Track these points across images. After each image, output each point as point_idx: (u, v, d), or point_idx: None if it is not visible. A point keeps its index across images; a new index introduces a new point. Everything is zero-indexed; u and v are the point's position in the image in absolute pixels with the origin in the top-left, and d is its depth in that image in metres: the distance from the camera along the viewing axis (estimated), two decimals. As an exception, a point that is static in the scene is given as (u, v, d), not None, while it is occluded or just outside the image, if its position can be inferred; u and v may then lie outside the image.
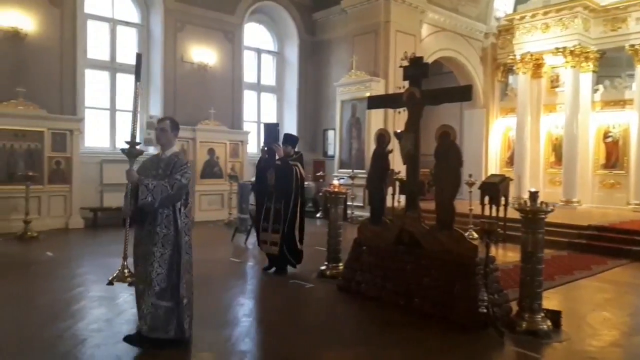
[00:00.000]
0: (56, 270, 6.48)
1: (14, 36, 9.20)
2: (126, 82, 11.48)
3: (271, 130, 6.54)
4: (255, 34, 13.86)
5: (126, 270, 3.74)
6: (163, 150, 3.88)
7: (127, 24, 11.47)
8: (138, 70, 3.98)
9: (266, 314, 4.87)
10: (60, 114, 9.77)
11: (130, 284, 3.77)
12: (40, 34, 9.60)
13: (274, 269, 6.56)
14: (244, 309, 5.08)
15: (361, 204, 11.61)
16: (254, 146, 13.61)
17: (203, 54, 11.98)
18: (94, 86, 10.97)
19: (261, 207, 6.54)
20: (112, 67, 11.25)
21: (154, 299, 3.66)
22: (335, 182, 6.74)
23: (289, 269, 6.56)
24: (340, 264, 6.19)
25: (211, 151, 11.99)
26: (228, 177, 11.71)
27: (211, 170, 11.97)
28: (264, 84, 14.18)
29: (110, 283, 3.92)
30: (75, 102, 10.12)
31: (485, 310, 4.39)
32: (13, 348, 3.88)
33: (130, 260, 4.11)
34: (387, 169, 5.50)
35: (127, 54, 11.46)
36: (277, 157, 6.34)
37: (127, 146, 3.94)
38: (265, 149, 6.54)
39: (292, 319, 4.82)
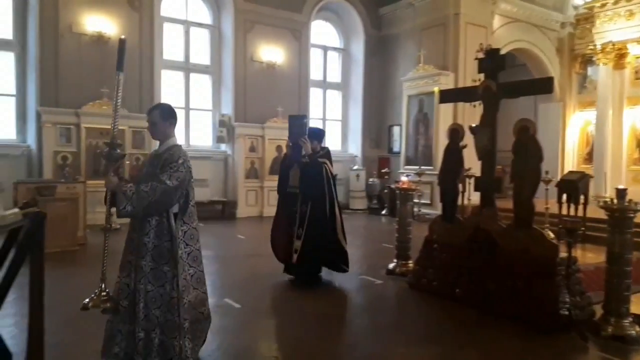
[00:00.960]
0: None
1: (99, 40, 9.83)
2: (200, 82, 11.95)
3: (297, 124, 5.69)
4: (321, 31, 13.96)
5: (104, 294, 3.03)
6: (160, 144, 3.34)
7: (200, 25, 11.91)
8: (121, 58, 3.36)
9: (337, 309, 4.91)
10: (139, 113, 10.32)
11: (104, 311, 3.06)
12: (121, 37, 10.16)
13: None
14: (317, 302, 5.15)
15: (428, 202, 11.43)
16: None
17: (271, 52, 12.23)
18: (170, 86, 11.49)
19: (285, 211, 5.83)
20: (187, 67, 11.74)
21: (143, 324, 3.09)
22: (404, 178, 6.67)
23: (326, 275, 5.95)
24: (410, 262, 6.14)
25: (279, 148, 12.20)
26: (295, 173, 11.90)
27: (279, 167, 12.17)
28: (329, 81, 14.26)
29: (85, 308, 2.97)
30: (152, 102, 10.64)
31: (567, 313, 4.21)
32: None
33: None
34: (461, 165, 5.38)
35: (200, 55, 11.92)
36: (304, 154, 5.61)
37: (110, 149, 3.16)
38: (291, 144, 5.74)
39: (365, 315, 4.84)
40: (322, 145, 5.97)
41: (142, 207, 3.00)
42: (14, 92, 9.73)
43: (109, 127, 9.99)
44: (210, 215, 11.36)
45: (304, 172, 5.57)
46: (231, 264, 7.01)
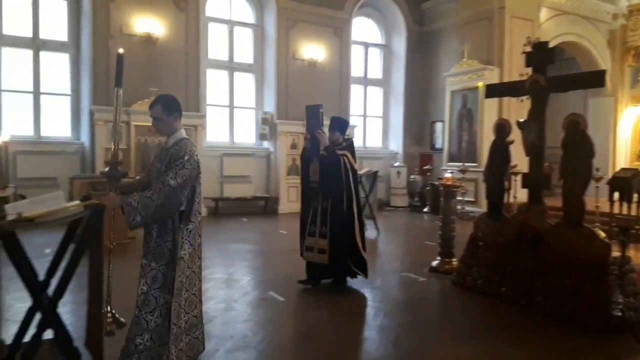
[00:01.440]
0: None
1: (147, 40, 10.16)
2: (243, 81, 12.17)
3: (313, 114, 5.23)
4: (362, 27, 13.92)
5: (109, 314, 2.92)
6: (168, 139, 3.18)
7: (243, 24, 12.11)
8: (119, 73, 3.24)
9: (380, 304, 4.92)
10: (185, 111, 10.60)
11: (107, 333, 2.92)
12: (168, 38, 10.49)
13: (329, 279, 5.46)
14: (359, 296, 5.18)
15: (472, 199, 11.23)
16: (359, 140, 13.72)
17: (313, 50, 12.29)
18: (214, 85, 11.75)
19: (307, 208, 5.37)
20: (230, 66, 11.96)
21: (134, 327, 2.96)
22: (448, 175, 6.58)
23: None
24: (454, 260, 6.07)
25: (320, 145, 12.27)
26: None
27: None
28: (370, 78, 14.21)
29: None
30: (198, 100, 10.94)
31: (620, 314, 4.07)
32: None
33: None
34: (508, 161, 5.27)
35: (243, 54, 12.13)
36: (321, 146, 5.16)
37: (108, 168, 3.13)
38: (309, 136, 5.34)
39: (408, 311, 4.82)
40: (346, 136, 5.55)
41: (150, 214, 2.84)
42: (69, 91, 10.20)
43: (157, 124, 10.16)
44: (253, 210, 11.57)
45: (322, 165, 5.14)
46: (274, 258, 7.12)
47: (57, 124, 10.17)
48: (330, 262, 5.17)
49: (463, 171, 10.91)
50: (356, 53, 13.68)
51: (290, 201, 11.89)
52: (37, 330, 2.42)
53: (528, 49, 5.11)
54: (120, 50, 3.33)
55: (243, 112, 12.29)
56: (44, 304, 2.40)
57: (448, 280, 5.69)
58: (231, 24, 11.92)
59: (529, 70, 5.10)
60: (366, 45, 14.04)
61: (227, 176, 11.44)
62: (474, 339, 4.06)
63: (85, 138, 10.06)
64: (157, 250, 3.00)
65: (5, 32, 9.31)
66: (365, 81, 14.09)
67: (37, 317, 2.65)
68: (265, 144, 12.28)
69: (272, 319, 4.44)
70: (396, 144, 14.17)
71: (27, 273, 2.42)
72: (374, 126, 14.37)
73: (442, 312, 4.99)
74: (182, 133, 3.20)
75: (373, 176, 8.95)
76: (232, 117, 12.06)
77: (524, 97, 5.16)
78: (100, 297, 2.51)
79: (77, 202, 2.67)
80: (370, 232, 8.84)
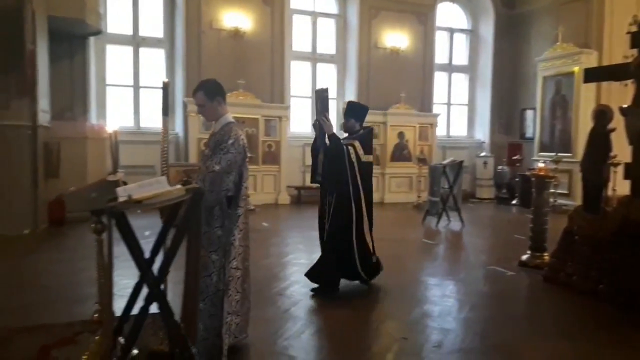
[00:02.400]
0: (271, 238, 7.38)
1: (235, 34, 10.56)
2: (326, 72, 12.30)
3: (320, 98, 4.64)
4: (448, 13, 13.50)
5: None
6: (215, 124, 3.20)
7: (326, 15, 12.21)
8: (165, 102, 3.22)
9: (467, 297, 4.81)
10: (270, 103, 10.95)
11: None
12: (255, 31, 10.84)
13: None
14: (443, 288, 5.11)
15: (566, 192, 10.58)
16: (443, 129, 13.39)
17: (395, 38, 12.13)
18: (298, 76, 11.97)
19: (323, 203, 4.82)
20: (313, 57, 12.13)
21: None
22: (541, 164, 6.25)
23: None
24: (546, 254, 5.77)
25: (401, 134, 12.15)
26: (417, 160, 11.78)
27: (400, 153, 12.14)
28: (455, 64, 13.77)
29: None
30: (283, 92, 11.22)
31: None
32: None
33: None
34: (609, 150, 4.91)
35: (326, 45, 12.24)
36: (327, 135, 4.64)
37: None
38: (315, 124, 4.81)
39: (496, 305, 4.68)
40: (364, 124, 4.98)
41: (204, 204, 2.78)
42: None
43: (244, 116, 10.70)
44: (334, 200, 11.70)
45: (327, 156, 4.64)
46: (356, 247, 7.18)
47: (155, 115, 10.88)
48: (318, 261, 4.75)
49: (556, 161, 10.28)
50: (440, 39, 13.31)
51: (371, 191, 11.87)
52: (144, 304, 2.64)
53: (634, 28, 4.70)
54: (165, 80, 3.45)
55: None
56: (151, 280, 2.61)
57: (539, 275, 5.44)
58: (314, 15, 12.06)
59: (634, 52, 4.70)
60: (451, 31, 13.61)
61: (309, 165, 11.59)
62: (567, 337, 3.86)
63: (179, 129, 10.69)
64: (205, 237, 2.96)
65: (109, 30, 10.08)
66: (449, 68, 13.68)
67: (143, 292, 2.91)
68: (343, 135, 12.31)
69: (356, 305, 4.51)
70: (482, 132, 13.65)
71: (136, 251, 2.65)
72: (459, 114, 13.94)
73: (532, 307, 4.80)
74: (228, 117, 3.18)
75: (458, 166, 8.70)
76: (314, 108, 12.21)
77: (628, 81, 4.77)
78: (196, 276, 2.69)
79: (179, 186, 2.87)
80: (454, 224, 8.66)
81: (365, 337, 3.82)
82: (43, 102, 7.39)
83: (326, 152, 4.63)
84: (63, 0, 7.67)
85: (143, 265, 2.66)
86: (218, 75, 10.59)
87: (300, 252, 6.56)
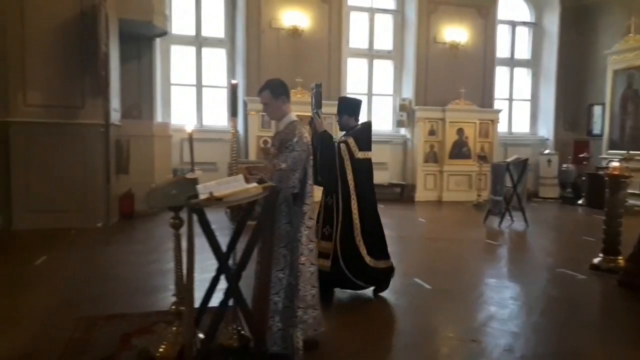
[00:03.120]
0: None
1: (294, 33, 10.66)
2: (382, 68, 12.20)
3: (313, 94, 4.42)
4: (509, 6, 13.04)
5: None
6: (279, 123, 3.28)
7: (384, 11, 12.10)
8: (234, 103, 3.36)
9: (535, 301, 4.66)
10: (327, 101, 10.92)
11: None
12: (312, 29, 10.90)
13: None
14: (510, 291, 4.96)
15: (637, 191, 10.00)
16: (504, 125, 12.97)
17: (455, 33, 11.85)
18: (354, 73, 11.94)
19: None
20: (370, 54, 12.06)
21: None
22: (615, 163, 5.93)
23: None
24: (620, 258, 5.49)
25: (460, 131, 11.87)
26: (477, 158, 11.48)
27: (460, 150, 11.86)
28: (517, 58, 13.29)
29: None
30: (339, 89, 11.19)
31: None
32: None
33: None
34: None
35: (383, 41, 12.14)
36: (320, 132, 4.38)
37: None
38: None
39: (566, 309, 4.50)
40: (359, 120, 4.69)
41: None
42: (224, 84, 11.15)
43: (302, 114, 10.73)
44: (389, 197, 11.60)
45: (320, 155, 4.32)
46: (416, 245, 7.11)
47: (216, 114, 11.18)
48: (333, 270, 4.35)
49: (627, 160, 9.72)
50: (502, 33, 12.89)
51: (427, 189, 11.73)
52: (223, 298, 2.74)
53: None
54: (234, 82, 3.55)
55: (380, 99, 12.34)
56: (230, 275, 2.70)
57: (613, 280, 5.18)
58: (372, 11, 11.98)
59: None
60: (513, 24, 13.14)
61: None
62: (647, 345, 3.67)
63: (239, 126, 10.92)
64: (277, 234, 3.02)
65: (174, 31, 10.43)
66: (511, 62, 13.23)
67: (218, 284, 3.00)
68: (402, 131, 12.21)
69: (419, 306, 4.46)
70: (546, 129, 13.12)
71: (215, 245, 2.74)
72: (521, 110, 13.45)
73: (607, 312, 4.58)
74: (292, 116, 3.25)
75: (523, 164, 8.41)
76: (370, 105, 12.18)
77: None
78: (269, 270, 2.74)
79: (255, 184, 2.94)
80: (518, 225, 8.39)
81: (433, 339, 3.78)
82: (114, 102, 7.77)
83: (317, 151, 4.28)
84: (133, 4, 8.01)
85: (222, 260, 2.75)
86: (277, 73, 10.80)
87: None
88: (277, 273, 3.09)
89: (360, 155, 4.43)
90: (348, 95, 4.77)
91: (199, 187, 2.84)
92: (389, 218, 9.20)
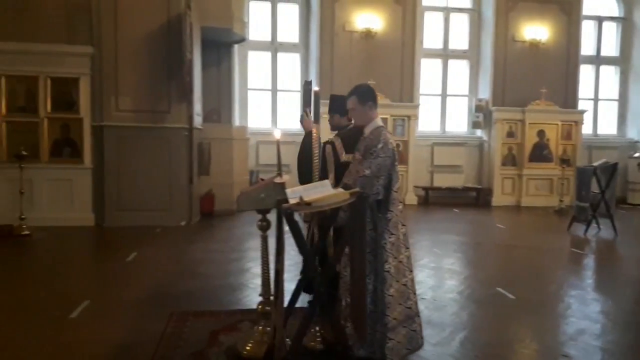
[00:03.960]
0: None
1: (367, 35, 10.68)
2: (457, 68, 11.92)
3: (304, 92, 4.22)
4: (596, 1, 12.29)
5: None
6: (365, 128, 3.28)
7: (459, 10, 11.82)
8: (317, 109, 3.35)
9: (628, 316, 4.35)
10: (399, 102, 10.90)
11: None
12: (385, 31, 10.84)
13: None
14: (601, 304, 4.67)
15: None
16: (589, 127, 12.24)
17: (535, 30, 11.34)
18: (428, 74, 11.75)
19: None
20: (445, 54, 11.82)
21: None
22: None
23: None
24: None
25: (541, 133, 11.34)
26: (559, 161, 10.90)
27: (540, 153, 11.33)
28: (604, 56, 12.49)
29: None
30: (412, 90, 11.10)
31: None
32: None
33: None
34: None
35: (458, 41, 11.85)
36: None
37: None
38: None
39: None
40: (350, 119, 4.16)
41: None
42: (298, 87, 11.33)
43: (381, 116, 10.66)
44: (464, 201, 11.31)
45: (307, 157, 3.98)
46: (495, 253, 6.88)
47: (290, 117, 11.37)
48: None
49: None
50: (587, 29, 12.16)
51: (505, 193, 11.32)
52: (311, 302, 2.80)
53: None
54: (316, 88, 3.55)
55: (455, 100, 12.05)
56: (318, 280, 2.75)
57: None
58: (447, 11, 11.74)
59: None
60: (599, 19, 12.37)
61: (437, 165, 11.41)
62: None
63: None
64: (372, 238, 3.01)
65: (251, 38, 10.76)
66: (597, 60, 12.46)
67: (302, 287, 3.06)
68: (478, 133, 11.85)
69: (502, 317, 4.30)
70: (636, 131, 12.25)
71: (304, 249, 2.81)
72: (608, 111, 12.63)
73: None
74: (378, 121, 3.26)
75: (612, 169, 7.89)
76: (444, 106, 11.93)
77: None
78: (363, 276, 2.76)
79: (341, 189, 2.97)
80: (605, 233, 7.88)
81: (519, 351, 3.64)
82: (197, 106, 8.15)
83: (307, 154, 3.93)
84: (214, 12, 8.36)
85: (311, 264, 2.81)
86: (349, 76, 10.94)
87: (433, 255, 6.42)
88: None
89: (345, 158, 4.00)
90: (336, 94, 4.31)
91: (289, 191, 2.92)
92: (464, 223, 8.99)
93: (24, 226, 6.91)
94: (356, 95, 3.25)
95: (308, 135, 4.06)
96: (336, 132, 4.22)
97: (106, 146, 7.67)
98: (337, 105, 4.24)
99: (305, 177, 4.00)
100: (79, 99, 7.65)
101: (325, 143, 4.07)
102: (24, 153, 6.93)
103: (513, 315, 4.37)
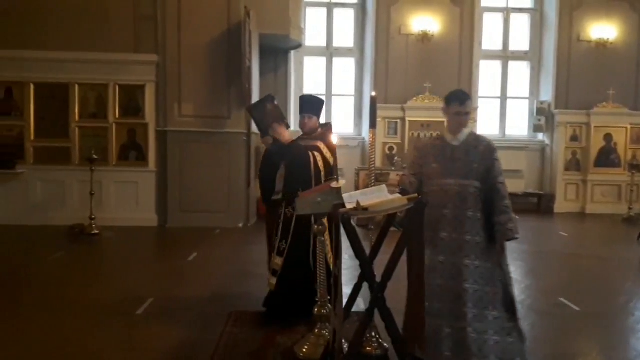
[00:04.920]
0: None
1: (423, 38, 10.55)
2: (518, 70, 11.56)
3: (258, 112, 4.19)
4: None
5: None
6: (455, 134, 3.15)
7: (519, 10, 11.47)
8: (373, 114, 3.33)
9: None
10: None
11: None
12: (443, 33, 10.67)
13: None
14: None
15: None
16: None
17: (602, 29, 10.79)
18: (486, 76, 11.46)
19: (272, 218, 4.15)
20: (504, 55, 11.49)
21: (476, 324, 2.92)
22: None
23: None
24: None
25: (608, 137, 10.78)
26: (629, 166, 10.31)
27: (607, 157, 10.77)
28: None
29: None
30: (470, 93, 10.79)
31: None
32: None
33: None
34: None
35: (518, 41, 11.50)
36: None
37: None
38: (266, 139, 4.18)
39: None
40: (322, 121, 4.18)
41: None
42: (353, 92, 11.39)
43: (430, 119, 10.67)
44: (525, 208, 10.89)
45: (287, 165, 3.91)
46: (558, 262, 6.61)
47: (344, 121, 11.41)
48: (278, 289, 3.94)
49: None
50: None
51: (568, 200, 10.85)
52: (369, 307, 2.82)
53: None
54: (373, 94, 3.57)
55: (515, 102, 11.68)
56: (375, 285, 2.76)
57: None
58: (507, 11, 11.41)
59: None
60: (675, 16, 11.61)
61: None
62: None
63: (365, 134, 11.08)
64: (477, 248, 3.00)
65: (307, 43, 10.90)
66: (672, 60, 11.69)
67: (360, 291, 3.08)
68: (540, 136, 11.43)
69: (565, 329, 4.14)
70: None
71: (361, 254, 2.83)
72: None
73: None
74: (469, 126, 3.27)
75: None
76: (503, 108, 11.59)
77: None
78: (421, 284, 2.74)
79: (398, 195, 2.98)
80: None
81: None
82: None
83: (288, 164, 3.88)
84: (272, 19, 8.54)
85: (368, 269, 2.83)
86: (404, 79, 10.85)
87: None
88: (484, 287, 2.97)
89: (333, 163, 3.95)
90: (307, 94, 4.21)
91: (346, 196, 2.96)
92: (524, 230, 8.51)
93: (94, 225, 7.33)
94: (471, 100, 3.20)
95: (293, 145, 3.93)
96: (306, 135, 4.01)
97: (169, 150, 8.02)
98: (312, 105, 4.06)
99: (269, 193, 4.03)
100: (145, 105, 8.06)
101: (310, 150, 3.83)
102: (95, 157, 7.36)
103: (577, 327, 4.20)
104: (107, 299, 4.58)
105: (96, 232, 7.31)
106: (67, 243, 6.95)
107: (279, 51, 9.77)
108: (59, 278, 5.33)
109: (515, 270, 5.92)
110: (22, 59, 7.85)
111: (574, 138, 10.87)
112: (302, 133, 4.08)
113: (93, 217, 7.34)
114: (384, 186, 3.10)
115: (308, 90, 11.27)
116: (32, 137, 8.01)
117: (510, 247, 6.70)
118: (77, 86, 8.01)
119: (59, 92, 7.99)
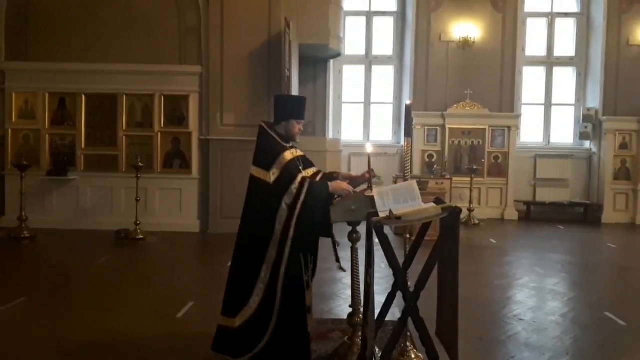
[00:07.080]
0: (503, 257, 7.04)
1: (464, 45, 10.43)
2: (563, 76, 11.25)
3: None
4: None
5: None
6: None
7: (565, 15, 11.16)
8: (408, 123, 3.36)
9: None
10: (499, 112, 10.50)
11: None
12: (484, 39, 10.53)
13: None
14: None
15: None
16: None
17: (653, 33, 10.40)
18: (530, 82, 11.20)
19: None
20: (549, 61, 11.20)
21: None
22: None
23: None
24: None
25: (662, 145, 10.31)
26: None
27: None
28: None
29: None
30: (512, 100, 10.63)
31: None
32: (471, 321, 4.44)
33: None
34: None
35: (563, 47, 11.20)
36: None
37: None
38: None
39: None
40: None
41: None
42: (391, 100, 11.36)
43: (470, 127, 10.53)
44: (570, 218, 10.57)
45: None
46: (605, 274, 6.38)
47: (382, 129, 11.38)
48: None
49: None
50: None
51: (617, 210, 10.44)
52: (402, 317, 2.82)
53: None
54: (408, 102, 3.63)
55: (560, 109, 11.35)
56: (408, 295, 2.76)
57: None
58: (551, 16, 11.13)
59: None
60: None
61: (540, 179, 10.77)
62: None
63: (402, 140, 11.00)
64: None
65: (346, 52, 10.97)
66: None
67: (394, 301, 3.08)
68: (587, 144, 11.05)
69: (611, 344, 3.98)
70: None
71: (394, 263, 2.84)
72: None
73: None
74: None
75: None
76: (548, 116, 11.28)
77: None
78: (454, 292, 2.72)
79: (432, 204, 2.97)
80: None
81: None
82: (294, 121, 8.46)
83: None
84: (312, 29, 8.66)
85: (401, 278, 2.84)
86: (444, 86, 10.77)
87: (535, 274, 6.08)
88: None
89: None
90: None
91: (378, 203, 2.98)
92: (569, 241, 8.41)
93: (139, 231, 7.61)
94: None
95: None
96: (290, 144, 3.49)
97: (212, 158, 8.23)
98: (292, 106, 3.59)
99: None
100: (189, 114, 8.32)
101: (296, 159, 3.40)
102: (140, 164, 7.66)
103: (623, 343, 4.03)
104: (150, 301, 4.75)
105: (141, 237, 7.58)
106: (113, 247, 7.24)
107: (318, 60, 9.88)
108: (105, 281, 5.56)
109: (560, 282, 5.80)
110: (74, 71, 8.27)
111: (624, 146, 10.45)
112: (292, 143, 3.53)
113: (138, 222, 7.61)
114: (414, 182, 3.11)
115: (346, 97, 11.35)
116: (83, 145, 8.40)
117: (555, 258, 6.54)
118: (124, 96, 8.36)
119: (107, 103, 8.37)
